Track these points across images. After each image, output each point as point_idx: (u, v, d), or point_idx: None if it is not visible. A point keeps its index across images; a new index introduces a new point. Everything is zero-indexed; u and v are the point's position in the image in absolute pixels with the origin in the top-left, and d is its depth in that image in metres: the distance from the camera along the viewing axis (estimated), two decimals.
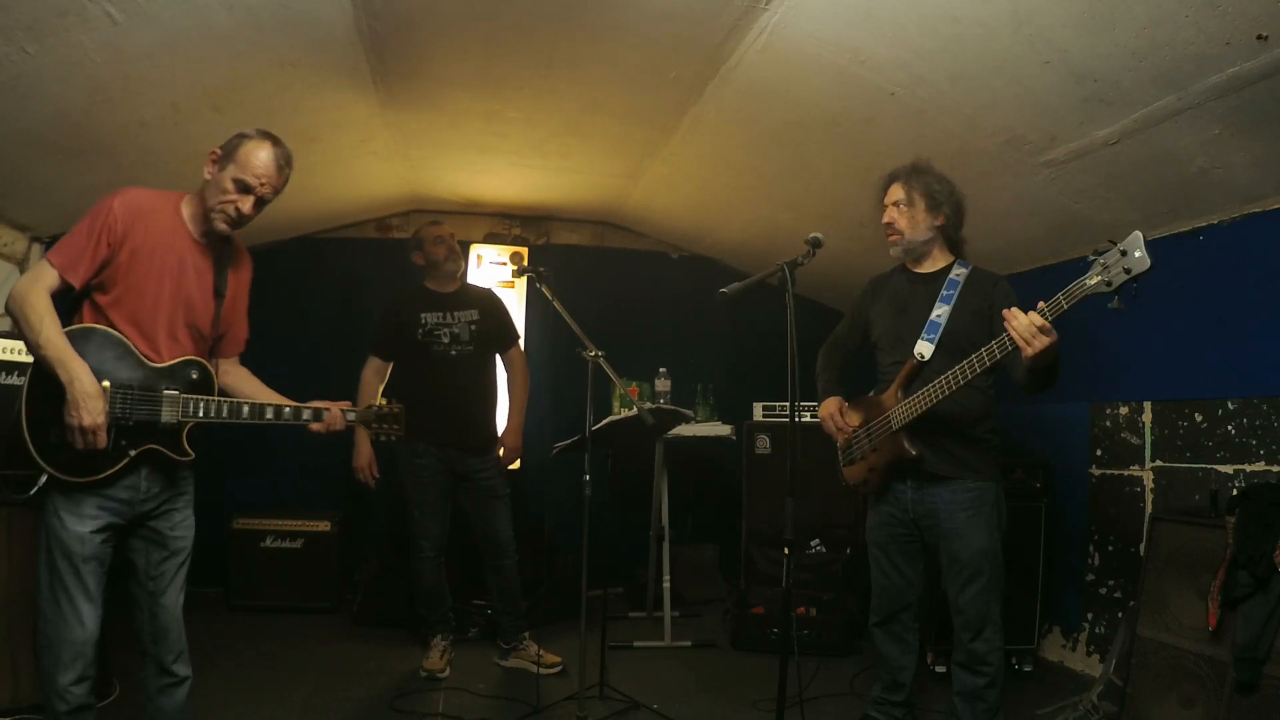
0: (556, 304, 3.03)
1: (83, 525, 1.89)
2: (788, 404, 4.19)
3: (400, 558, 4.08)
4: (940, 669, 3.33)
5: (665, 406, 4.05)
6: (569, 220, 5.11)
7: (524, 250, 4.95)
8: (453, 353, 3.44)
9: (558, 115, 3.42)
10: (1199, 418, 3.04)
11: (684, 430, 4.05)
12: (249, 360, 2.37)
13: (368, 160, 3.91)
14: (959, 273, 2.58)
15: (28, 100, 2.52)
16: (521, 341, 3.81)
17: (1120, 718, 2.71)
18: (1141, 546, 3.08)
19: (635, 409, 3.11)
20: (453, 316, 3.47)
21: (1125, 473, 3.34)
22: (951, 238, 2.64)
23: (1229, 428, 2.92)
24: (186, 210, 2.05)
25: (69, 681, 1.89)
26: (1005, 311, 2.09)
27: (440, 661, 3.35)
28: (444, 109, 3.38)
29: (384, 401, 2.34)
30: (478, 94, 3.23)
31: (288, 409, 2.13)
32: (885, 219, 2.63)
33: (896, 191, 2.61)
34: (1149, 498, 3.22)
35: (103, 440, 1.86)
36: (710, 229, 4.78)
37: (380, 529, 4.53)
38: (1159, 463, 3.20)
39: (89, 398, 1.83)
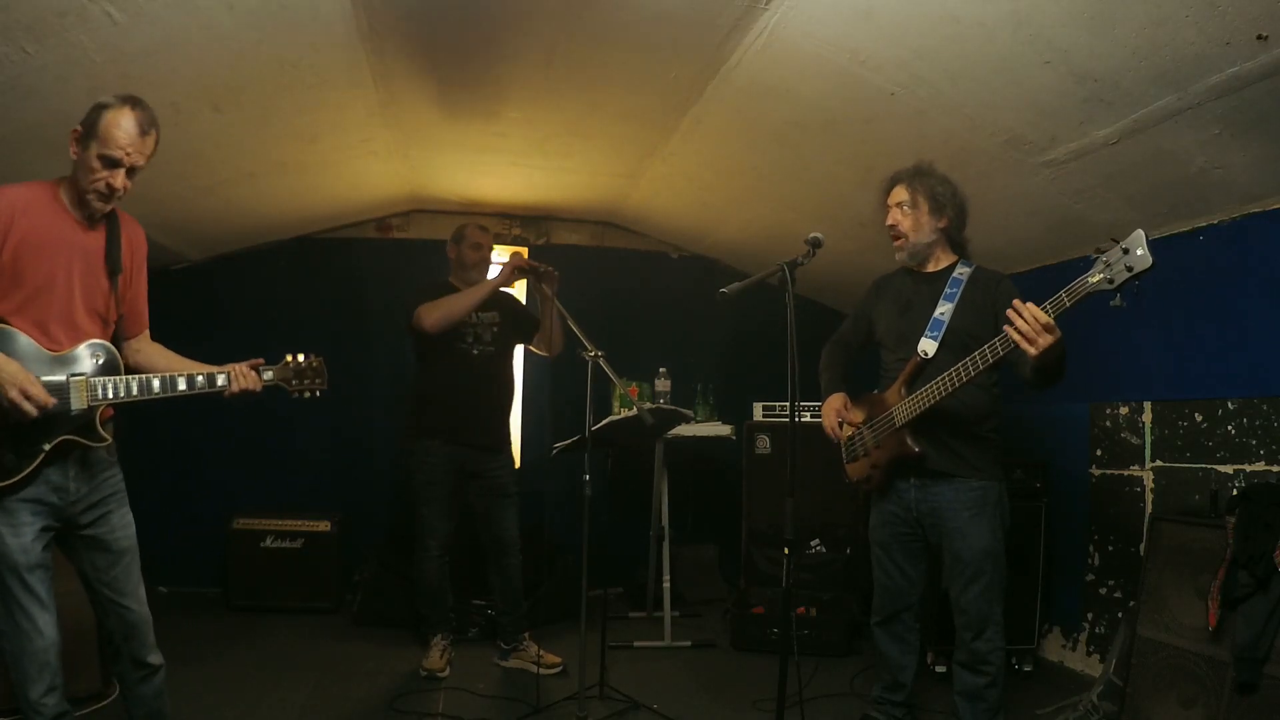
0: (558, 304, 3.03)
1: (21, 535, 1.87)
2: (788, 404, 4.18)
3: (400, 557, 4.08)
4: (941, 669, 3.33)
5: (665, 406, 4.05)
6: (569, 220, 5.11)
7: (524, 250, 4.95)
8: (474, 352, 3.42)
9: (558, 115, 3.42)
10: (1199, 418, 3.04)
11: (684, 430, 4.04)
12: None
13: (368, 160, 3.91)
14: (962, 271, 2.59)
15: (28, 100, 2.52)
16: None
17: (1120, 718, 2.71)
18: (1141, 546, 3.08)
19: (635, 409, 3.11)
20: (477, 317, 3.45)
21: (1125, 473, 3.34)
22: (955, 239, 2.64)
23: (1229, 428, 2.92)
24: (65, 195, 1.97)
25: (40, 694, 1.89)
26: (1010, 309, 2.08)
27: (440, 661, 3.34)
28: (444, 108, 3.38)
29: (302, 356, 2.23)
30: (478, 94, 3.23)
31: (200, 377, 2.05)
32: (889, 221, 2.63)
33: (900, 193, 2.61)
34: (1149, 498, 3.22)
35: (44, 398, 1.82)
36: (710, 229, 4.78)
37: (380, 529, 4.53)
38: (1159, 463, 3.20)
39: (10, 378, 1.79)
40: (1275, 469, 2.74)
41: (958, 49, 2.43)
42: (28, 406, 1.79)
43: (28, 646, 1.87)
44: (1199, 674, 2.48)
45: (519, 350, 3.82)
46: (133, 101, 1.95)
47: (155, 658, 2.11)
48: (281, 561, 4.19)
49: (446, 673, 3.32)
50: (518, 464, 4.73)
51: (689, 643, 3.89)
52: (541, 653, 3.39)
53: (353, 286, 4.82)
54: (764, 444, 4.35)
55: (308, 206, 4.40)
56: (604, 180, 4.30)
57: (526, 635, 3.50)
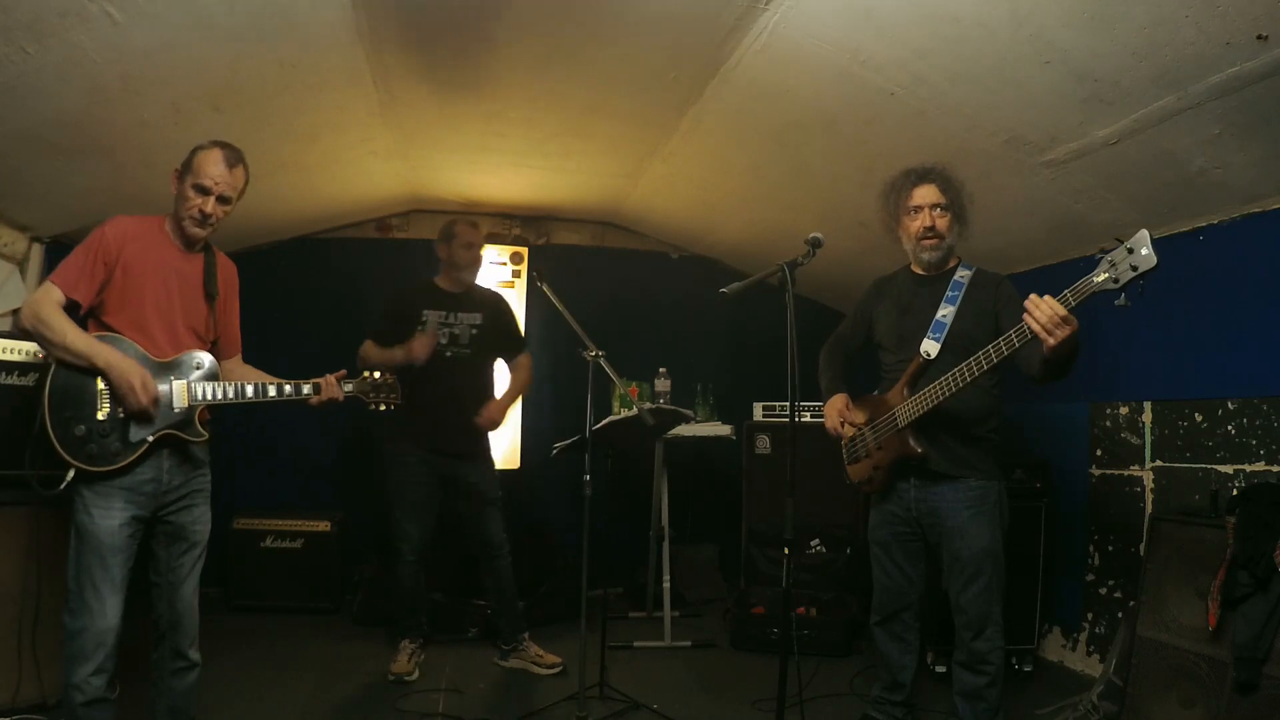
0: (558, 304, 3.03)
1: (111, 519, 2.04)
2: (788, 404, 4.18)
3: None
4: (940, 669, 3.33)
5: (665, 406, 4.05)
6: (569, 220, 5.11)
7: (524, 250, 4.95)
8: (447, 354, 3.36)
9: (558, 115, 3.42)
10: (1199, 418, 3.04)
11: (684, 430, 4.04)
12: (249, 359, 2.45)
13: (368, 160, 3.91)
14: (963, 274, 2.59)
15: (28, 100, 2.52)
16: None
17: (1120, 718, 2.71)
18: (1141, 546, 3.08)
19: (635, 409, 3.11)
20: (455, 317, 3.41)
21: (1125, 473, 3.34)
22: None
23: (1229, 428, 2.92)
24: (168, 227, 2.25)
25: (89, 672, 2.00)
26: (1029, 300, 2.06)
27: (409, 665, 3.29)
28: (444, 109, 3.38)
29: (379, 373, 2.48)
30: (478, 94, 3.23)
31: (288, 386, 2.32)
32: (925, 222, 2.56)
33: (935, 194, 2.56)
34: (1149, 498, 3.22)
35: (154, 389, 2.08)
36: (710, 229, 4.79)
37: (380, 529, 4.53)
38: (1159, 463, 3.20)
39: (131, 369, 2.05)
40: (1275, 469, 2.74)
41: (958, 49, 2.43)
42: (140, 395, 2.04)
43: (90, 625, 2.00)
44: (1199, 674, 2.48)
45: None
46: (221, 144, 2.23)
47: (194, 654, 2.25)
48: (281, 561, 4.19)
49: (414, 676, 3.27)
50: (518, 464, 4.73)
51: (689, 643, 3.89)
52: (541, 653, 3.39)
53: (353, 286, 4.81)
54: (764, 444, 4.35)
55: (308, 206, 4.40)
56: (604, 180, 4.30)
57: (526, 636, 3.49)
